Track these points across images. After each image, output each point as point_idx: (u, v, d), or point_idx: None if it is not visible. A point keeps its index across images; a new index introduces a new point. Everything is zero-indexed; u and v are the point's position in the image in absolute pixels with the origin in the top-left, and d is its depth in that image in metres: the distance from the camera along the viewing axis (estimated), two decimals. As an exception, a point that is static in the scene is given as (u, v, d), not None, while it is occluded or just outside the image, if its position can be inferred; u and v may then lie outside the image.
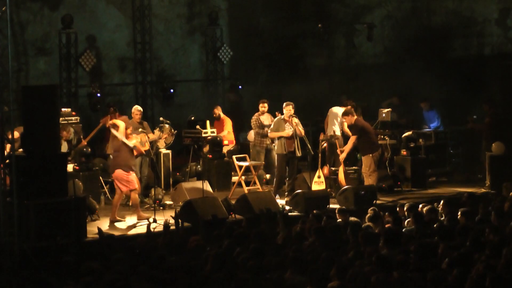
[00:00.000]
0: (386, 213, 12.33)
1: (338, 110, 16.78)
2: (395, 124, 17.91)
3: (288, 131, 15.44)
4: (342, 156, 15.76)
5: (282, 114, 15.70)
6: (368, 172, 15.53)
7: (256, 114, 16.79)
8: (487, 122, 17.23)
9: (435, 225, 10.95)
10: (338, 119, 16.64)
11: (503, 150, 16.36)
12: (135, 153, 14.19)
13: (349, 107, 16.39)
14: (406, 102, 19.51)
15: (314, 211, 12.32)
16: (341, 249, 9.87)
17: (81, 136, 16.31)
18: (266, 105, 16.73)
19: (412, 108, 19.38)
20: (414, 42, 21.68)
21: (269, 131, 15.98)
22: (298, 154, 15.51)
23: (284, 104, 15.62)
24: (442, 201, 12.64)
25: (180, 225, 12.25)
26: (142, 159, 15.66)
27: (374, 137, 15.95)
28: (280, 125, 15.57)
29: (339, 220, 11.96)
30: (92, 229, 12.90)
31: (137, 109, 16.02)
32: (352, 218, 12.02)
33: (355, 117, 15.84)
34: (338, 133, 16.61)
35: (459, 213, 11.41)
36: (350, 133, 15.94)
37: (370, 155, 15.56)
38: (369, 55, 22.03)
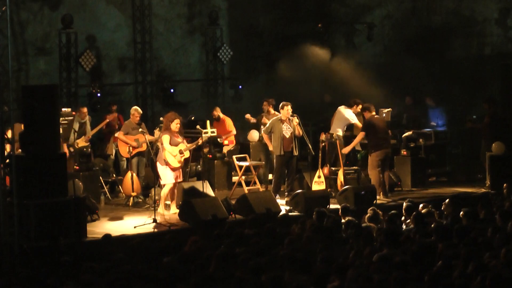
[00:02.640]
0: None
1: (344, 110, 16.72)
2: (395, 123, 17.92)
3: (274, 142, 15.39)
4: (345, 150, 15.84)
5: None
6: (368, 171, 15.61)
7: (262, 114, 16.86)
8: (486, 122, 17.21)
9: (432, 225, 10.95)
10: (342, 120, 16.62)
11: (503, 150, 16.35)
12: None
13: (367, 104, 16.35)
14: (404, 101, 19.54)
15: (317, 209, 12.27)
16: (341, 249, 9.86)
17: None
18: (266, 103, 16.70)
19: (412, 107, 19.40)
20: (414, 42, 21.68)
21: (262, 131, 15.93)
22: (295, 153, 15.46)
23: (282, 104, 15.50)
24: (447, 200, 12.65)
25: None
26: (138, 160, 15.65)
27: (381, 138, 15.83)
28: (275, 125, 15.47)
29: (342, 220, 11.94)
30: (92, 229, 12.91)
31: (137, 110, 15.95)
32: (350, 218, 12.01)
33: (372, 113, 15.87)
34: (340, 133, 16.58)
35: (461, 213, 11.40)
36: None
37: (369, 155, 15.61)
38: (369, 55, 22.02)
